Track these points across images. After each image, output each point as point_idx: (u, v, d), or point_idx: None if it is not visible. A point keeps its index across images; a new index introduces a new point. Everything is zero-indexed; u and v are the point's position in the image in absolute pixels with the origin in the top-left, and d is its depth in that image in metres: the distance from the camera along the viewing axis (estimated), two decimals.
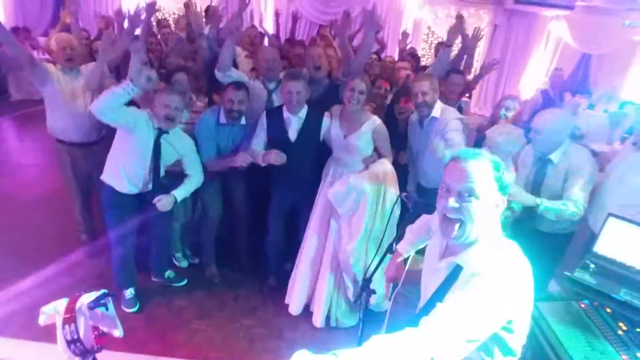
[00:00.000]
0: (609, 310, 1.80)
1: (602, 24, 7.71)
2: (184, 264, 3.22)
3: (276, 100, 2.89)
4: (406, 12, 9.16)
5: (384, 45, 5.71)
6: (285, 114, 2.61)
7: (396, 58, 4.54)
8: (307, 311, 2.81)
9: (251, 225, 3.11)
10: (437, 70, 3.16)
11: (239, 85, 2.67)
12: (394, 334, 0.98)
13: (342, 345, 0.96)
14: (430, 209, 1.26)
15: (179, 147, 2.58)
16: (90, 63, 3.06)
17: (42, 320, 1.34)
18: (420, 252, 1.94)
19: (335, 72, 3.05)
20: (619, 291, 1.85)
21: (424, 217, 1.59)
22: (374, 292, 1.52)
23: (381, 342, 0.95)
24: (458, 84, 3.02)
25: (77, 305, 1.32)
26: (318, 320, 2.72)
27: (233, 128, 2.74)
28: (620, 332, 1.68)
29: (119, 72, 3.16)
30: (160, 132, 2.48)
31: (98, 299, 1.33)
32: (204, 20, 3.64)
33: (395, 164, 2.67)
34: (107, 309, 1.33)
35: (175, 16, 5.63)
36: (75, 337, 1.30)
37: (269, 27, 5.90)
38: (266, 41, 4.67)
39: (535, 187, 2.37)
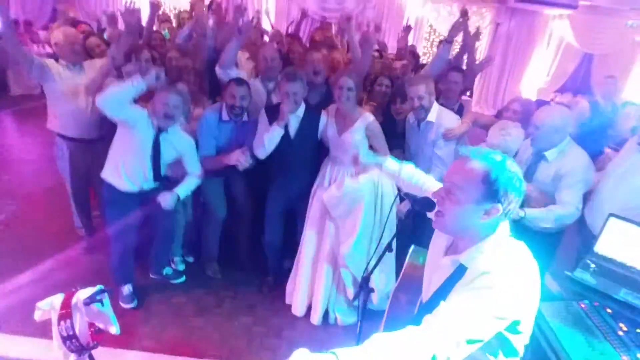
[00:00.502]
0: (609, 310, 1.78)
1: (605, 23, 7.69)
2: (181, 267, 3.18)
3: (275, 100, 2.88)
4: (408, 9, 9.13)
5: (384, 47, 5.66)
6: None
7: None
8: (307, 310, 2.80)
9: (252, 223, 3.10)
10: (435, 67, 3.15)
11: (240, 81, 2.65)
12: (395, 332, 0.96)
13: (341, 344, 0.95)
14: (429, 205, 1.25)
15: (179, 145, 2.57)
16: (96, 60, 3.04)
17: (37, 316, 1.33)
18: (420, 249, 1.95)
19: (333, 77, 3.03)
20: (620, 291, 1.84)
21: (431, 182, 1.63)
22: (372, 290, 1.51)
23: (382, 340, 0.93)
24: (456, 82, 2.99)
25: (73, 300, 1.31)
26: (315, 317, 2.72)
27: (235, 125, 2.73)
28: (620, 333, 1.67)
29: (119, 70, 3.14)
30: (160, 130, 2.47)
31: (94, 295, 1.32)
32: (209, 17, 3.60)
33: None
34: (103, 305, 1.32)
35: (176, 11, 5.58)
36: (71, 333, 1.29)
37: (267, 26, 5.86)
38: (266, 38, 4.64)
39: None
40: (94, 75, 2.87)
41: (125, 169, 2.50)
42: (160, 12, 5.57)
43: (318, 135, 2.66)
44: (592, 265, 1.94)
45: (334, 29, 5.17)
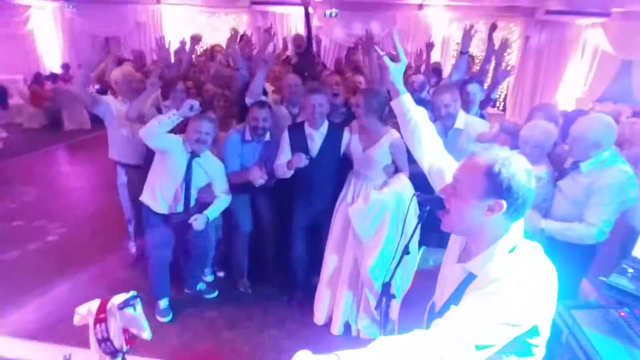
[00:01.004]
0: None
1: None
2: (210, 278, 3.32)
3: None
4: (434, 29, 9.20)
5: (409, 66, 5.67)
6: (307, 129, 2.69)
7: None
8: (328, 320, 2.82)
9: (279, 239, 3.16)
10: (452, 77, 3.23)
11: (262, 103, 2.80)
12: (402, 335, 0.95)
13: None
14: (440, 203, 1.24)
15: (210, 169, 2.74)
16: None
17: (76, 320, 1.43)
18: (430, 250, 1.92)
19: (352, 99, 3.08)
20: None
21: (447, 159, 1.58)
22: (394, 296, 1.50)
23: (386, 343, 0.92)
24: (474, 93, 2.99)
25: (108, 306, 1.41)
26: (335, 328, 2.76)
27: (258, 144, 2.87)
28: None
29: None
30: (193, 155, 2.65)
31: (127, 300, 1.40)
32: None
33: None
34: (135, 310, 1.41)
35: (208, 46, 5.97)
36: (106, 335, 1.38)
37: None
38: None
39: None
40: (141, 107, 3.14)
41: (161, 191, 2.70)
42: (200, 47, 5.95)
43: (341, 151, 2.72)
44: (630, 270, 1.83)
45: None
